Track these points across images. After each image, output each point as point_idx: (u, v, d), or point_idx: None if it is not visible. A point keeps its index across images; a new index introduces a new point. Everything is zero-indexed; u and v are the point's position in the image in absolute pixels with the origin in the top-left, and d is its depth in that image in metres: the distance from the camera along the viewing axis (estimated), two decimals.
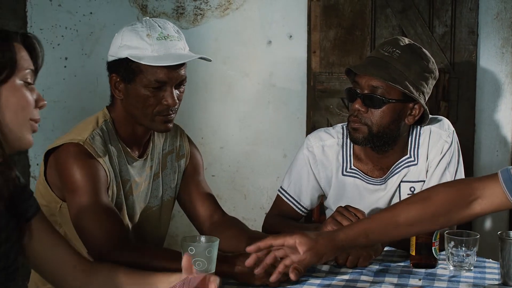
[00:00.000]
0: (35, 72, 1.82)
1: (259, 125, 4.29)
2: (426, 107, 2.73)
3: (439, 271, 2.46)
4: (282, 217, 2.88)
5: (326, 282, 2.32)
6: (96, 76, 4.21)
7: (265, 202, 4.27)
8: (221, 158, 4.32)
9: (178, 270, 2.17)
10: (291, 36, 4.20)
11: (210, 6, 4.22)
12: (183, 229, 4.15)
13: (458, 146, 2.86)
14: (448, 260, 2.46)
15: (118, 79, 2.45)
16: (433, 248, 2.46)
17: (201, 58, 2.49)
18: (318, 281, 2.32)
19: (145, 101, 2.42)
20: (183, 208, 2.76)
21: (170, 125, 2.50)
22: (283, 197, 2.93)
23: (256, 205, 4.31)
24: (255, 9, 4.21)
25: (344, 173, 2.87)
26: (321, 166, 2.87)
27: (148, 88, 2.41)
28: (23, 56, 1.77)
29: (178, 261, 2.19)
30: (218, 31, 4.24)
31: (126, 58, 2.41)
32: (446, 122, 2.87)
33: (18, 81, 1.75)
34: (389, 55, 2.71)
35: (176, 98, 2.45)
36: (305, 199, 2.90)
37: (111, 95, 2.52)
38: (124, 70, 2.43)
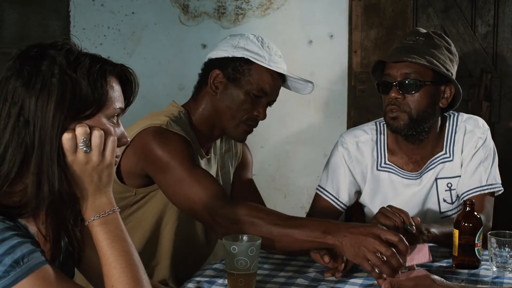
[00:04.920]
0: (125, 108, 1.76)
1: (300, 125, 4.29)
2: (459, 86, 2.78)
3: (482, 272, 2.44)
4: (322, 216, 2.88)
5: (368, 282, 2.32)
6: (138, 76, 4.23)
7: (305, 202, 4.27)
8: (262, 157, 4.32)
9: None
10: (332, 36, 4.19)
11: (251, 5, 4.23)
12: None
13: (493, 145, 2.91)
14: (491, 261, 2.44)
15: (220, 75, 2.50)
16: (476, 248, 2.45)
17: (308, 81, 2.63)
18: (360, 281, 2.32)
19: (240, 104, 2.47)
20: None
21: (246, 136, 2.55)
22: (322, 195, 2.94)
23: (297, 204, 4.31)
24: (296, 8, 4.21)
25: (379, 168, 2.89)
26: (356, 162, 2.91)
27: (249, 94, 2.46)
28: (115, 93, 1.71)
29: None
30: (259, 31, 4.21)
31: (241, 58, 2.48)
32: (481, 121, 2.93)
33: (103, 119, 1.68)
34: (414, 43, 2.77)
35: (265, 114, 2.51)
36: (344, 194, 2.92)
37: (196, 92, 2.56)
38: (232, 68, 2.49)
